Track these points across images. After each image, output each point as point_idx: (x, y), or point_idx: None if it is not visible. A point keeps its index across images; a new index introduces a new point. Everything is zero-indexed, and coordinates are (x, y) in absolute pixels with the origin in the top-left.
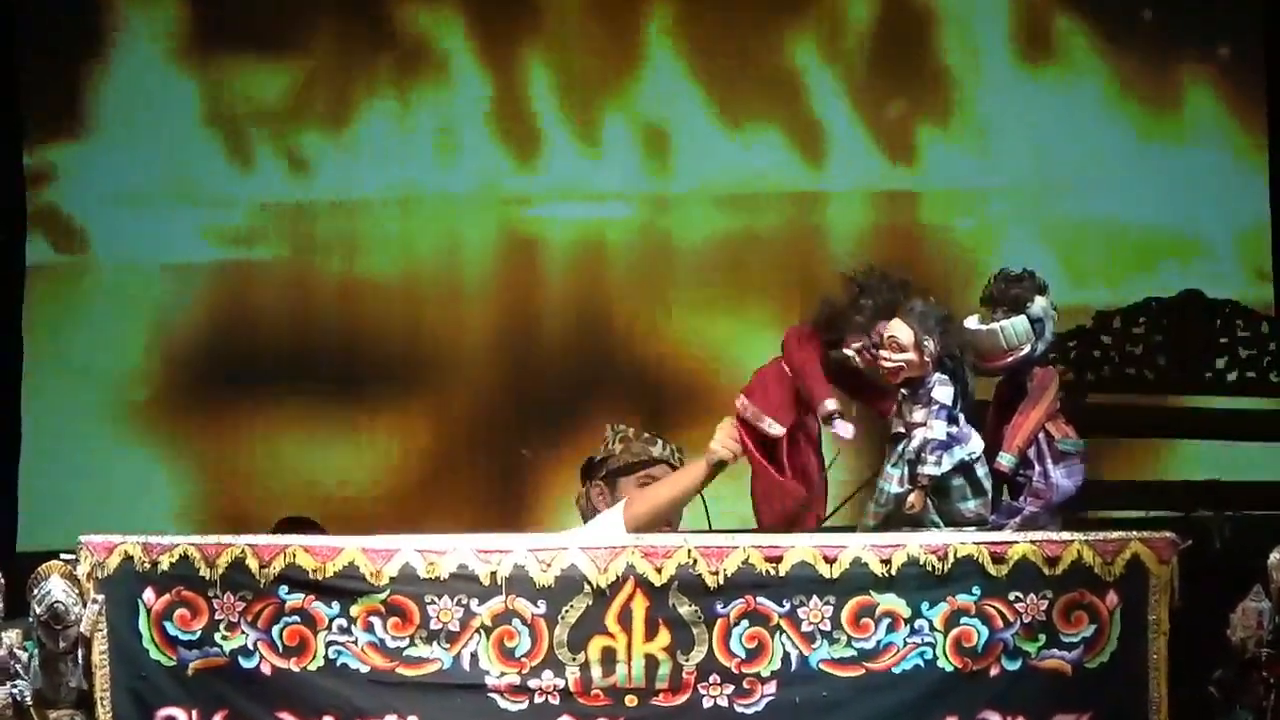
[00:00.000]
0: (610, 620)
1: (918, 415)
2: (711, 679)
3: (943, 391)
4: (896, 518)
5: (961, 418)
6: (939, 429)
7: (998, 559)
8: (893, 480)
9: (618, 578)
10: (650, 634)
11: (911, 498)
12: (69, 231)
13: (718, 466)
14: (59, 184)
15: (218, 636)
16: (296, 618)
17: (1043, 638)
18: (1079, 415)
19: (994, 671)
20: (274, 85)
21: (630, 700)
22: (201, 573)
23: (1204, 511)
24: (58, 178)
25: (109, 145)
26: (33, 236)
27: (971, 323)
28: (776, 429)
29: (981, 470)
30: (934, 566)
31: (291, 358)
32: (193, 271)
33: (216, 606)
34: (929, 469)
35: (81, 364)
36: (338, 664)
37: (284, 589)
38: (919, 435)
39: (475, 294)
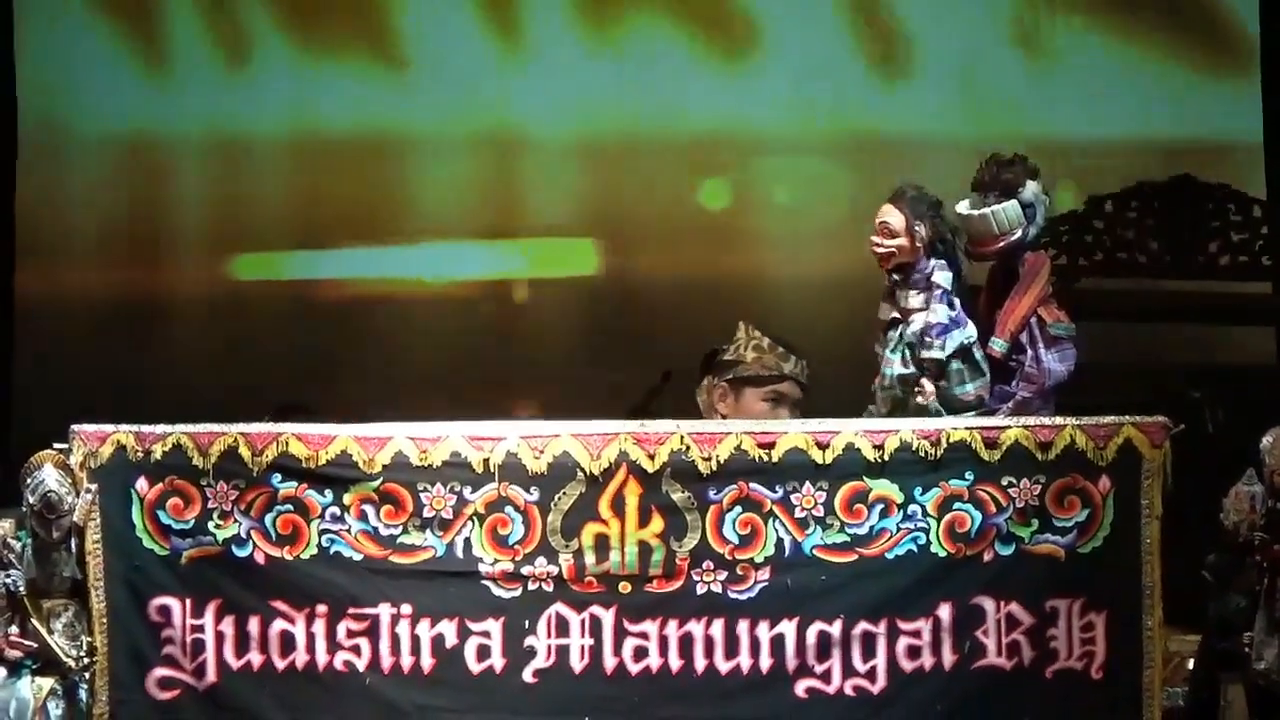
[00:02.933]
0: (603, 507)
1: (914, 300)
2: (705, 565)
3: (943, 275)
4: (904, 404)
5: (957, 301)
6: (941, 312)
7: (990, 444)
8: (894, 364)
9: (610, 464)
10: (643, 520)
11: (925, 384)
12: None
13: None
14: None
15: (211, 525)
16: (289, 506)
17: (1036, 522)
18: (1071, 299)
19: (987, 556)
20: None
21: (624, 587)
22: (194, 461)
23: (1196, 395)
24: None
25: None
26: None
27: (963, 208)
28: None
29: (979, 353)
30: (926, 452)
31: None
32: None
33: (209, 495)
34: (934, 353)
35: None
36: (331, 552)
37: (277, 477)
38: (919, 319)
39: None
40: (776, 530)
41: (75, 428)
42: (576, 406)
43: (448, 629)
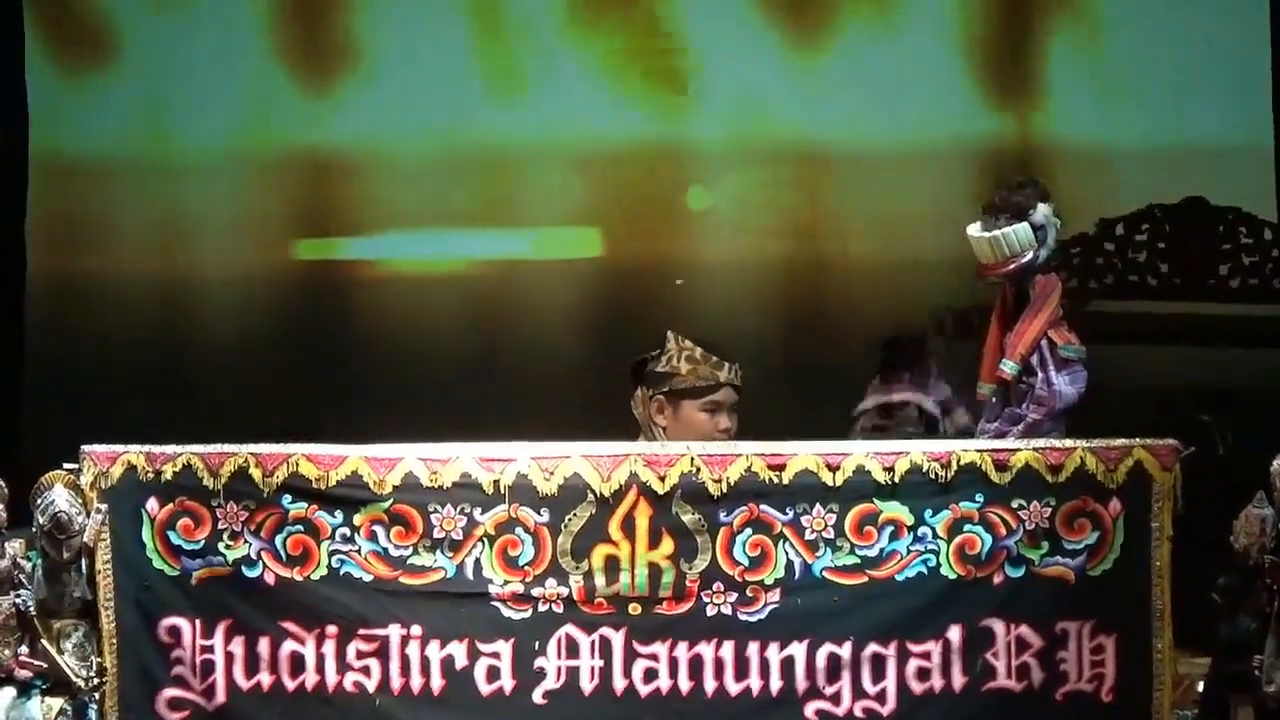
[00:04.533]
0: (614, 528)
1: None
2: (715, 587)
3: None
4: None
5: None
6: None
7: (1001, 466)
8: None
9: (621, 486)
10: (653, 542)
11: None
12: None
13: None
14: None
15: (221, 546)
16: (300, 527)
17: (1046, 545)
18: (1082, 322)
19: (997, 579)
20: None
21: (634, 609)
22: (205, 482)
23: (1207, 418)
24: None
25: None
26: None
27: (974, 230)
28: None
29: None
30: (937, 474)
31: None
32: None
33: (220, 516)
34: None
35: None
36: (341, 573)
37: (287, 498)
38: None
39: None
40: (787, 552)
41: (85, 448)
42: None
43: (458, 650)
